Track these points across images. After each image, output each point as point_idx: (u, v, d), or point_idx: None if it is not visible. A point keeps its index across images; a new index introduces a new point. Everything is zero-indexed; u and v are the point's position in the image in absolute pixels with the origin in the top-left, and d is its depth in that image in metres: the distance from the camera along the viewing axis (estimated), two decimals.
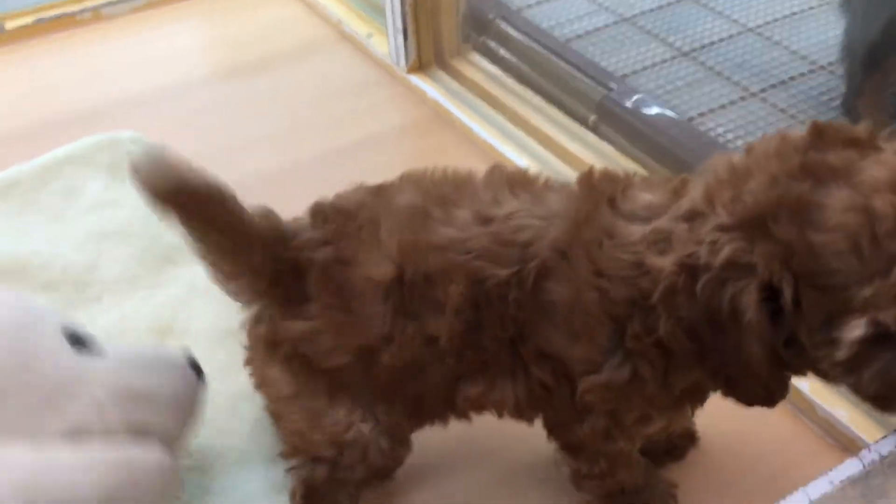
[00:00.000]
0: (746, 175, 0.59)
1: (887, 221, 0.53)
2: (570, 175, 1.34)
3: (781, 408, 1.02)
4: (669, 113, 1.36)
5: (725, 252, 0.57)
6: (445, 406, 0.80)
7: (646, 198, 0.68)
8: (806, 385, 1.01)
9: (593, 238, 0.68)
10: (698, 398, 0.76)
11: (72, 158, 1.31)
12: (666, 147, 1.31)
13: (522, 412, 0.79)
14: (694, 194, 0.63)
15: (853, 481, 0.58)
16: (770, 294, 0.56)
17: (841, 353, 0.56)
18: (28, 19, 1.71)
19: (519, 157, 1.38)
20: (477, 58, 1.58)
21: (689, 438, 0.96)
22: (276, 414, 0.86)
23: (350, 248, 0.74)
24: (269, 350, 0.78)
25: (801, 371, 0.62)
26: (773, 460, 0.96)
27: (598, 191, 0.71)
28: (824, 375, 0.60)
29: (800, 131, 0.60)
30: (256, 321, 0.79)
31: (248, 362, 0.83)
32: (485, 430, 0.86)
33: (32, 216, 1.22)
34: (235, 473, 0.92)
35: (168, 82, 1.58)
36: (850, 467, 0.59)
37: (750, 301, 0.56)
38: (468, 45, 1.60)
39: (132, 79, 1.57)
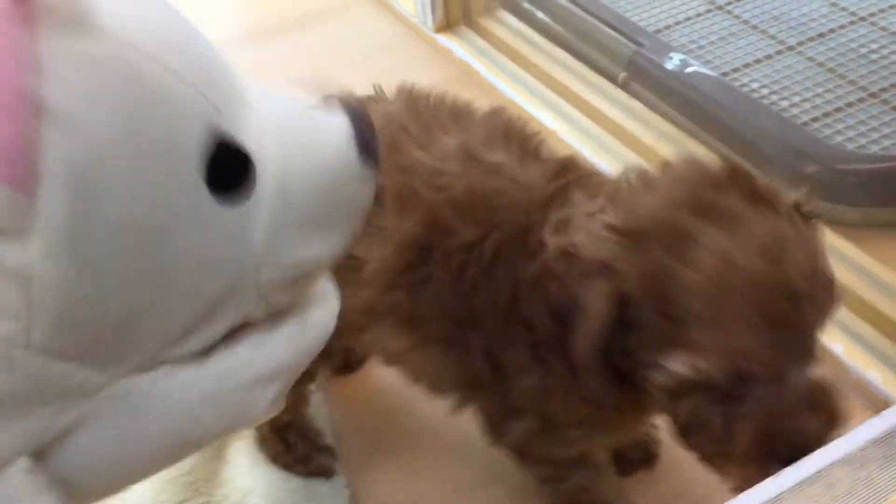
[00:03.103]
0: (652, 189, 0.60)
1: (742, 282, 0.54)
2: (598, 134, 1.32)
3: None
4: (703, 69, 1.32)
5: (603, 251, 0.58)
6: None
7: (580, 196, 0.65)
8: (840, 347, 0.99)
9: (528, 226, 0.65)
10: (637, 415, 0.71)
11: None
12: (699, 104, 1.27)
13: (442, 388, 0.75)
14: (602, 195, 0.63)
15: (876, 441, 0.56)
16: (622, 302, 0.57)
17: (662, 380, 0.57)
18: None
19: (547, 117, 1.35)
20: (505, 15, 1.55)
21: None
22: None
23: None
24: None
25: (634, 386, 0.62)
26: None
27: (563, 175, 0.68)
28: (651, 397, 0.61)
29: (717, 166, 0.61)
30: None
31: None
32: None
33: None
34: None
35: None
36: (874, 427, 0.57)
37: (599, 298, 0.57)
38: (496, 2, 1.57)
39: None
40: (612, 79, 1.38)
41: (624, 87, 1.37)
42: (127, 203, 0.42)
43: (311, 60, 1.54)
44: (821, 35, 1.37)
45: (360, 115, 0.53)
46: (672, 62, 1.33)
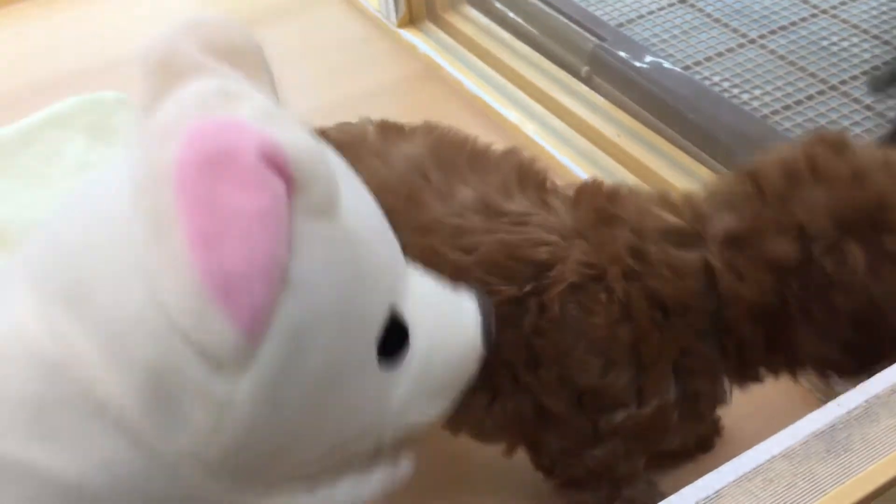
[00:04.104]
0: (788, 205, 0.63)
1: None
2: (561, 129, 1.31)
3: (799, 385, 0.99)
4: (665, 62, 1.32)
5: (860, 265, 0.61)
6: None
7: (669, 218, 0.67)
8: None
9: (631, 263, 0.65)
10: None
11: (53, 120, 1.28)
12: (660, 98, 1.27)
13: (488, 434, 0.73)
14: (728, 221, 0.65)
15: (818, 435, 0.56)
16: None
17: None
18: None
19: (510, 112, 1.34)
20: (469, 10, 1.54)
21: (715, 429, 0.91)
22: None
23: None
24: None
25: None
26: None
27: (602, 205, 0.68)
28: None
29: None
30: None
31: None
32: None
33: (12, 180, 1.20)
34: None
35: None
36: (815, 421, 0.56)
37: None
38: None
39: (119, 40, 1.55)
40: (574, 73, 1.38)
41: (587, 81, 1.36)
42: (322, 359, 0.50)
43: (275, 55, 1.51)
44: (782, 28, 1.37)
45: (485, 304, 0.62)
46: (634, 56, 1.32)
